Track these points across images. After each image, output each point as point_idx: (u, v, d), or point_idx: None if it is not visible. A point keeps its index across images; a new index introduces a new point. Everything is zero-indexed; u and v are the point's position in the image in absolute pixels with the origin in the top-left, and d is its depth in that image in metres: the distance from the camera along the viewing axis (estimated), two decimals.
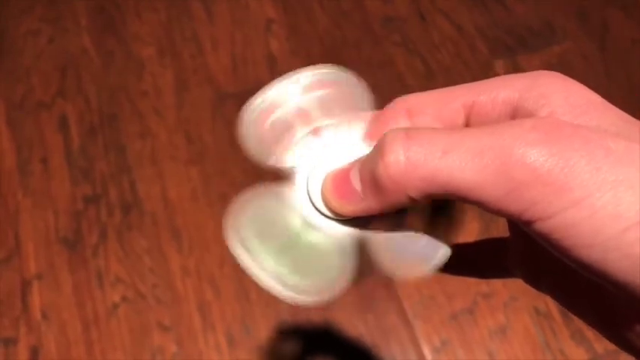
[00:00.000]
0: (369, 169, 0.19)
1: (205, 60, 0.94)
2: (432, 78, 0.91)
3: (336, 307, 0.75)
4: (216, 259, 0.78)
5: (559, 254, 0.17)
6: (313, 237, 0.22)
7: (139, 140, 0.87)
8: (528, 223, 0.17)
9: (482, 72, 0.91)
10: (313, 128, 0.23)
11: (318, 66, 0.23)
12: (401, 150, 0.18)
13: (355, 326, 0.75)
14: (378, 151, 0.19)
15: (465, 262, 0.28)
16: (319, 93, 0.23)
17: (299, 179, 0.23)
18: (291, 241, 0.22)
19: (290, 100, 0.23)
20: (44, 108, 0.89)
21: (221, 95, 0.90)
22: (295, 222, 0.22)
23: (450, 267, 0.22)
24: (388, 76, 0.91)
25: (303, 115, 0.23)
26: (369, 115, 0.23)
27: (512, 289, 0.76)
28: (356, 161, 0.21)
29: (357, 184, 0.20)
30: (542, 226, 0.17)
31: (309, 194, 0.22)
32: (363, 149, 0.22)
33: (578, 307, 0.22)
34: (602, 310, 0.21)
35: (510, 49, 0.94)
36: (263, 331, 0.74)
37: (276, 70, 0.92)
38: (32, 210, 0.82)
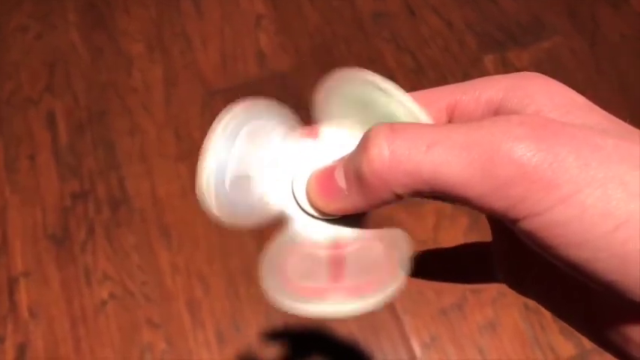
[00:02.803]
0: (353, 165, 0.19)
1: (195, 56, 0.93)
2: (422, 73, 0.91)
3: None
4: (205, 256, 0.78)
5: (546, 254, 0.17)
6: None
7: (128, 137, 0.86)
8: (515, 222, 0.16)
9: (472, 67, 0.91)
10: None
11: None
12: (385, 144, 0.18)
13: (345, 322, 0.75)
14: (362, 147, 0.18)
15: (447, 267, 0.28)
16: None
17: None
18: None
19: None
20: (32, 104, 0.89)
21: (210, 91, 0.90)
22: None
23: (433, 273, 0.21)
24: (378, 72, 0.89)
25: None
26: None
27: (500, 285, 0.75)
28: (341, 159, 0.20)
29: (341, 181, 0.20)
30: (529, 225, 0.16)
31: (294, 195, 0.22)
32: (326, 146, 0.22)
33: (563, 310, 0.22)
34: (586, 312, 0.20)
35: (500, 44, 0.94)
36: (253, 328, 0.74)
37: (265, 65, 0.92)
38: (20, 207, 0.81)
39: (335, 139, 0.22)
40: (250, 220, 0.21)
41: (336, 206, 0.20)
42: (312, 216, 0.22)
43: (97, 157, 0.84)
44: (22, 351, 0.73)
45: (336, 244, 0.22)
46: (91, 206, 0.81)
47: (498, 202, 0.16)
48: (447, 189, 0.17)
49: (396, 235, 0.21)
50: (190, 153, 0.85)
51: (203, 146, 0.20)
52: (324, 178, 0.21)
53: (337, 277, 0.21)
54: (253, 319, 0.75)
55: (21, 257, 0.78)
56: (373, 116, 0.21)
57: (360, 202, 0.19)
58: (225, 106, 0.21)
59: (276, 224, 0.22)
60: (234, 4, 0.98)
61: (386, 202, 0.19)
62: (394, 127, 0.18)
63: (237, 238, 0.79)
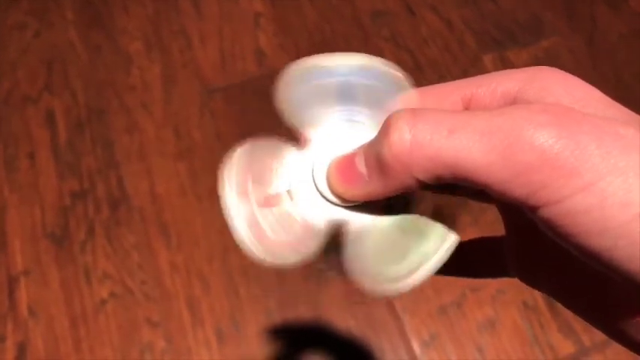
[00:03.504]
0: (374, 150, 0.19)
1: (193, 54, 0.93)
2: (421, 72, 0.91)
3: (325, 301, 0.75)
4: (204, 255, 0.78)
5: (565, 242, 0.17)
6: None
7: (127, 135, 0.86)
8: (535, 209, 0.16)
9: (471, 66, 0.91)
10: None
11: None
12: (406, 128, 0.17)
13: (344, 321, 0.75)
14: (383, 131, 0.18)
15: (459, 262, 0.28)
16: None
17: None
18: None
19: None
20: (30, 103, 0.89)
21: (209, 90, 0.90)
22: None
23: (444, 268, 0.21)
24: None
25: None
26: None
27: (500, 282, 0.76)
28: (361, 146, 0.20)
29: (362, 167, 0.20)
30: (549, 212, 0.16)
31: (314, 180, 0.22)
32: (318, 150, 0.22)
33: (576, 303, 0.22)
34: (601, 304, 0.20)
35: (499, 43, 0.94)
36: (252, 327, 0.74)
37: (264, 64, 0.92)
38: (19, 206, 0.81)
39: (325, 140, 0.22)
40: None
41: (356, 192, 0.20)
42: (333, 203, 0.22)
43: (96, 155, 0.84)
44: (22, 350, 0.73)
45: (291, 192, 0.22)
46: (91, 205, 0.81)
47: (519, 189, 0.16)
48: (467, 174, 0.17)
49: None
50: (189, 151, 0.85)
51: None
52: (345, 164, 0.21)
53: (271, 203, 0.21)
54: (252, 317, 0.75)
55: (20, 256, 0.78)
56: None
57: (380, 187, 0.19)
58: (224, 104, 0.21)
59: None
60: (232, 2, 0.98)
61: (406, 188, 0.19)
62: (416, 111, 0.18)
63: None
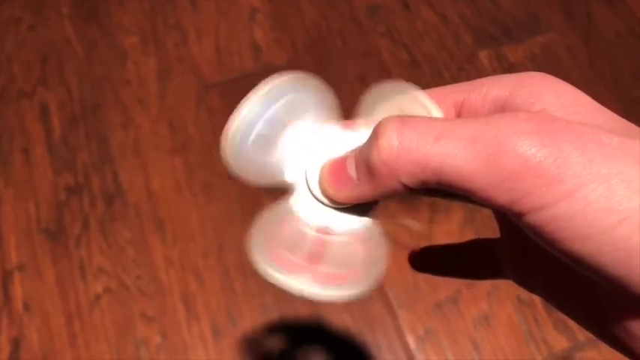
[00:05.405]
0: (363, 154, 0.20)
1: (189, 49, 0.93)
2: (417, 68, 0.91)
3: None
4: (200, 250, 0.78)
5: (550, 247, 0.17)
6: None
7: (122, 130, 0.86)
8: (520, 215, 0.17)
9: (467, 62, 0.91)
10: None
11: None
12: (394, 135, 0.18)
13: (340, 316, 0.75)
14: (373, 137, 0.19)
15: (455, 263, 0.28)
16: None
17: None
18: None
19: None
20: (25, 97, 0.88)
21: (205, 85, 0.89)
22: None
23: (441, 268, 0.22)
24: (373, 66, 0.91)
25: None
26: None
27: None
28: (352, 150, 0.21)
29: (352, 170, 0.20)
30: (533, 218, 0.16)
31: (309, 187, 0.23)
32: (355, 138, 0.22)
33: (569, 306, 0.22)
34: (591, 308, 0.20)
35: (495, 39, 0.94)
36: (248, 322, 0.74)
37: (260, 59, 0.92)
38: (13, 201, 0.81)
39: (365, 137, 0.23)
40: (260, 180, 0.23)
41: (345, 195, 0.21)
42: (323, 203, 0.22)
43: (90, 150, 0.84)
44: (16, 345, 0.72)
45: (325, 230, 0.22)
46: (86, 200, 0.81)
47: (502, 196, 0.17)
48: (452, 180, 0.17)
49: (384, 242, 0.22)
50: (185, 146, 0.85)
51: (241, 101, 0.22)
52: (336, 167, 0.21)
53: (314, 259, 0.22)
54: (248, 312, 0.75)
55: (15, 251, 0.77)
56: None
57: (368, 191, 0.20)
58: (220, 99, 0.22)
59: (280, 191, 0.23)
60: None
61: (393, 192, 0.19)
62: (404, 119, 0.19)
63: (232, 233, 0.79)
